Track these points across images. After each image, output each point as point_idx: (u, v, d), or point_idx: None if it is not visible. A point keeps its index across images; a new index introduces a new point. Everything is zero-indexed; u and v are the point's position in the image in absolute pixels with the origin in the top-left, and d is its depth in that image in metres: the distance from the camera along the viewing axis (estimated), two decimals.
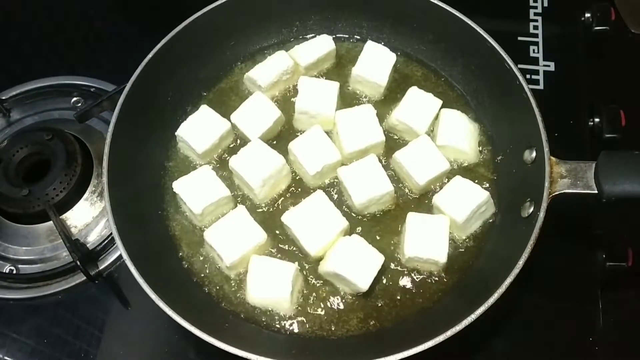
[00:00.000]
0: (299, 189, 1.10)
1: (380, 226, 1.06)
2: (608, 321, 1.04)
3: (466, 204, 1.01)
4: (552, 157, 0.95)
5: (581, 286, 1.08)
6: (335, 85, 1.13)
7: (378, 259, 0.98)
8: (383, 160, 1.11)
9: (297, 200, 1.06)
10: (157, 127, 1.14)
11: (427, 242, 0.99)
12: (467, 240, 1.05)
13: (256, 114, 1.12)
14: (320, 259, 1.02)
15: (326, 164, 1.06)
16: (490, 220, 1.06)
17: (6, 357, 1.06)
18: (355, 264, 0.97)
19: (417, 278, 1.02)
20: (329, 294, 1.01)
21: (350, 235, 1.02)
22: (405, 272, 1.03)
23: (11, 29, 1.44)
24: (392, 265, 1.03)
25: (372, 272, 0.97)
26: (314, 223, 1.01)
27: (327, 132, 1.10)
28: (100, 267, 1.10)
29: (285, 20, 1.25)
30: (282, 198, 1.09)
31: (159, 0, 1.47)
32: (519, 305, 1.06)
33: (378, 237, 1.05)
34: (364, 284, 0.97)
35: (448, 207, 1.02)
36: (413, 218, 1.01)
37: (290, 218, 1.02)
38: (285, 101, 1.19)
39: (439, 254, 0.98)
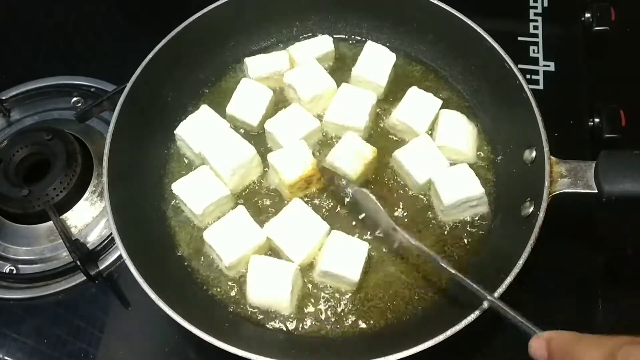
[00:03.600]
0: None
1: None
2: (608, 321, 1.04)
3: (458, 191, 1.01)
4: (552, 157, 0.95)
5: (581, 286, 1.08)
6: (319, 66, 1.14)
7: (363, 248, 0.98)
8: (383, 161, 1.11)
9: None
10: (157, 127, 1.14)
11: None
12: (467, 240, 1.05)
13: (250, 100, 1.13)
14: (309, 265, 1.02)
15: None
16: (485, 220, 1.06)
17: (6, 357, 1.06)
18: (342, 258, 0.97)
19: (416, 278, 1.02)
20: (329, 294, 1.01)
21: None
22: (404, 272, 1.03)
23: (11, 29, 1.44)
24: (392, 265, 1.03)
25: (359, 261, 0.97)
26: (295, 231, 1.00)
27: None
28: (100, 267, 1.10)
29: (285, 20, 1.25)
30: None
31: (159, 0, 1.47)
32: (519, 305, 1.05)
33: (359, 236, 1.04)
34: (354, 275, 0.97)
35: (441, 187, 1.02)
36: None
37: (272, 229, 1.02)
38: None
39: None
